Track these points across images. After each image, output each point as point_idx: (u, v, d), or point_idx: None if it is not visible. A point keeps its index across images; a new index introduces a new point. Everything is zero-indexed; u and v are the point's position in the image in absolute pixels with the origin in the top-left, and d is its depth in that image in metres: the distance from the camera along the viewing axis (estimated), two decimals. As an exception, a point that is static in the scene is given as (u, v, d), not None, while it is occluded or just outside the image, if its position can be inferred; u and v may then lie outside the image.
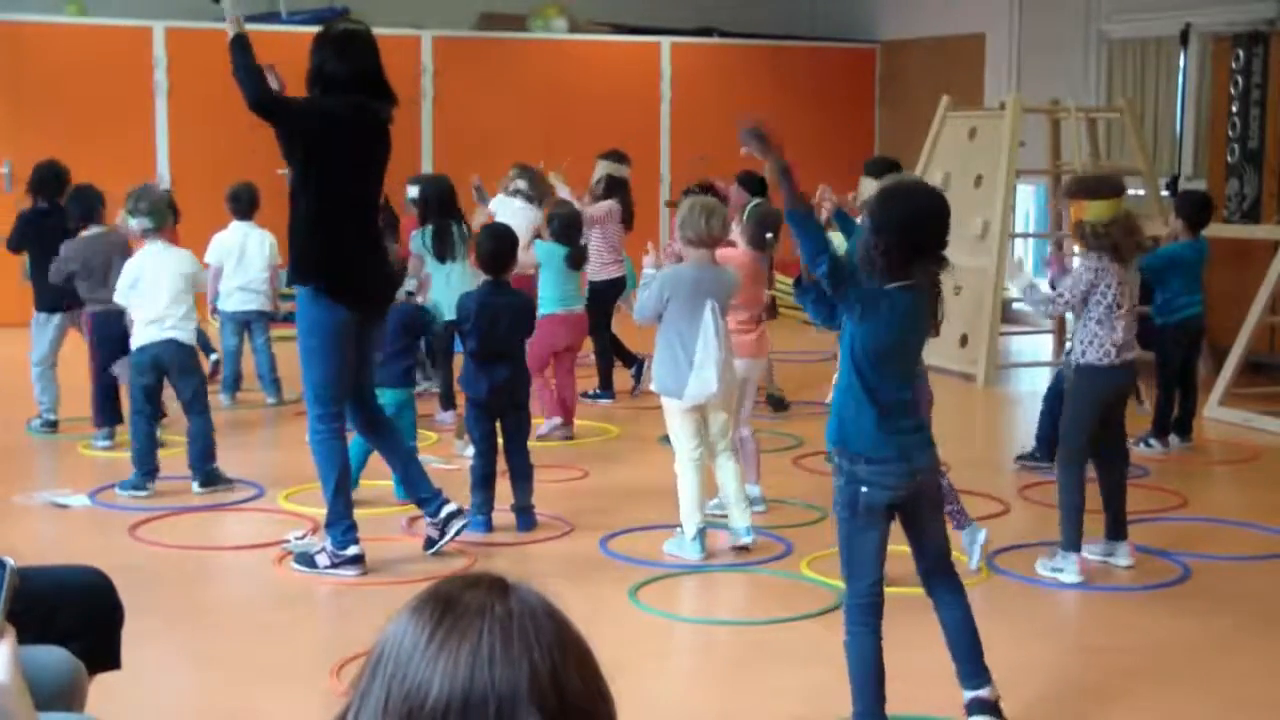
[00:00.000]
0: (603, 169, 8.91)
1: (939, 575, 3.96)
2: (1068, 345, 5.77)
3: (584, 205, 8.55)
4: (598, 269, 8.72)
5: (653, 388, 5.76)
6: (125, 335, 6.93)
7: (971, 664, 3.93)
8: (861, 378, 3.77)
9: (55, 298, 7.44)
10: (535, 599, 1.38)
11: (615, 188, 8.84)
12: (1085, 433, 5.45)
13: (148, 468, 6.43)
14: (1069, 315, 6.55)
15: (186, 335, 6.50)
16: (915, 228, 3.73)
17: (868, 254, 3.73)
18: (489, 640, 1.32)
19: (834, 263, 3.74)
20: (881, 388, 3.77)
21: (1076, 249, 5.50)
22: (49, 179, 7.74)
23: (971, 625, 3.94)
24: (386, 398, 6.07)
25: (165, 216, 6.66)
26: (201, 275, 6.73)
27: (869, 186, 7.24)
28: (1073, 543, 5.38)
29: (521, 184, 8.75)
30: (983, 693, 3.91)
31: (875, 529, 3.79)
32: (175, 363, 6.47)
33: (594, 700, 1.36)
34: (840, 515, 3.83)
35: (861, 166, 6.96)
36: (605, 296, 8.78)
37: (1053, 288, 5.76)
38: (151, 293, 6.43)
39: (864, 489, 3.75)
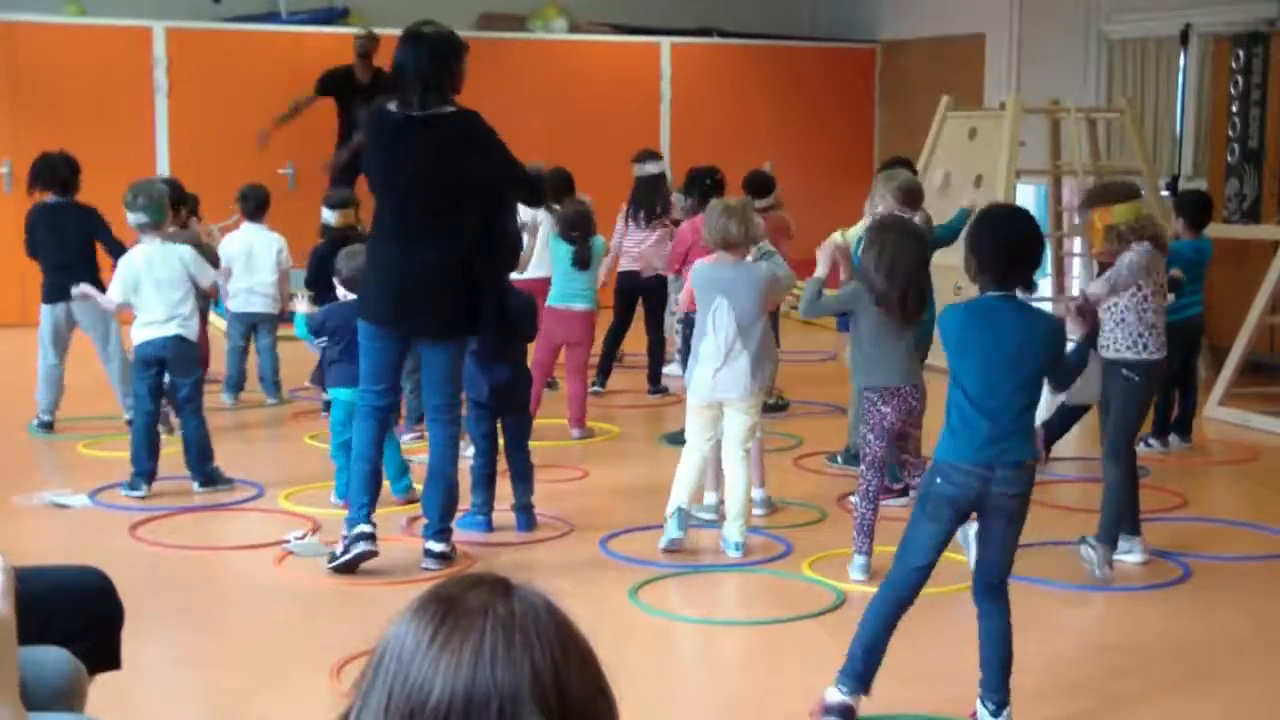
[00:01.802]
0: (634, 173, 9.00)
1: (992, 589, 3.98)
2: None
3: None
4: (623, 263, 8.83)
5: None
6: None
7: (995, 677, 3.94)
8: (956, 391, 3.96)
9: (51, 288, 7.43)
10: (537, 599, 1.38)
11: (639, 184, 8.91)
12: (1140, 423, 5.66)
13: (143, 467, 6.41)
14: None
15: (190, 332, 6.49)
16: (1015, 249, 3.97)
17: (968, 269, 4.02)
18: (491, 640, 1.32)
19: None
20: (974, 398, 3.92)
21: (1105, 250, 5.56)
22: (48, 171, 7.63)
23: (1006, 642, 3.95)
24: (341, 397, 6.06)
25: (163, 212, 6.59)
26: (203, 268, 6.66)
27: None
28: (1136, 526, 5.56)
29: None
30: None
31: (935, 522, 3.91)
32: (177, 358, 6.45)
33: (595, 700, 1.36)
34: (916, 499, 4.06)
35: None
36: (627, 288, 8.83)
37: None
38: (156, 291, 6.40)
39: (938, 480, 3.90)
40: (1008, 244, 3.95)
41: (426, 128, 5.19)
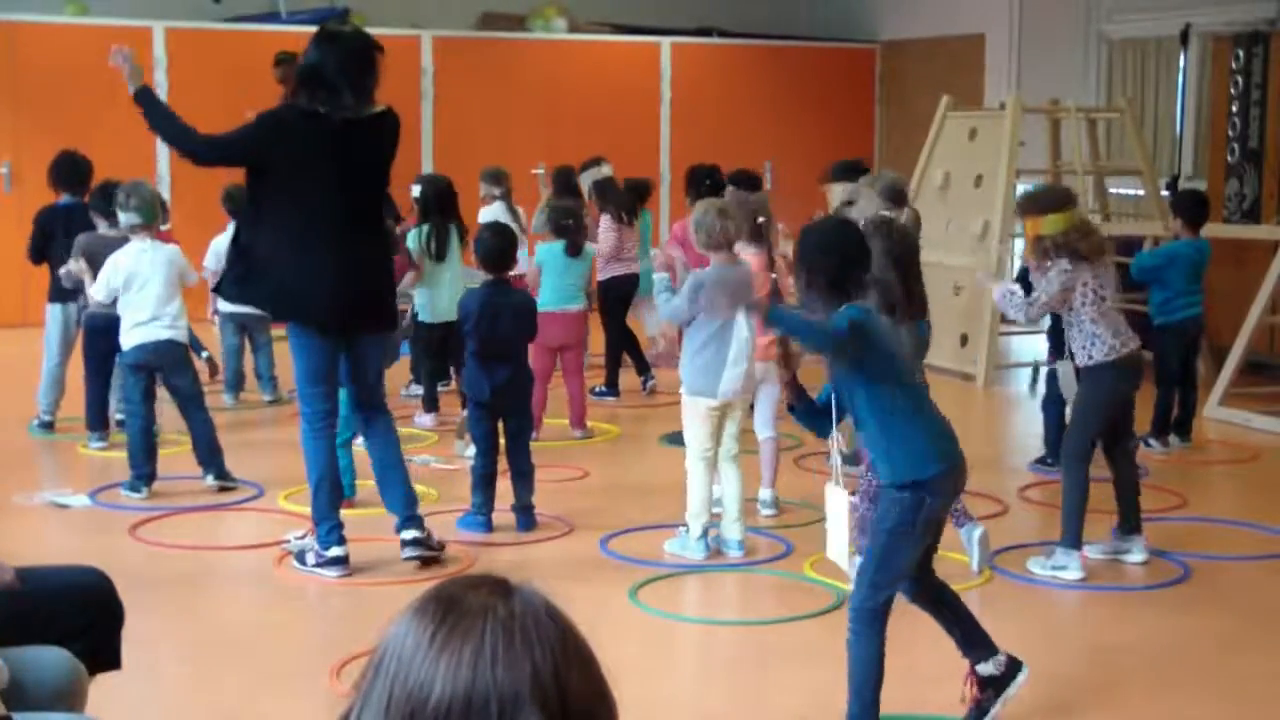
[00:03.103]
0: (587, 179, 8.90)
1: (932, 585, 3.99)
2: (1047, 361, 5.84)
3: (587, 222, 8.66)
4: (603, 267, 8.75)
5: (683, 390, 5.70)
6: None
7: (977, 636, 3.97)
8: (893, 400, 3.79)
9: (62, 288, 7.42)
10: (538, 600, 1.39)
11: (606, 190, 8.85)
12: (1093, 432, 5.51)
13: (142, 470, 6.40)
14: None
15: (181, 334, 6.49)
16: (833, 256, 3.84)
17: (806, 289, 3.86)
18: (491, 641, 1.32)
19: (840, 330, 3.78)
20: (914, 400, 3.84)
21: (1034, 263, 5.56)
22: (70, 170, 7.62)
23: (961, 607, 3.99)
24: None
25: (154, 213, 6.58)
26: (189, 268, 6.68)
27: (837, 193, 7.36)
28: (1076, 540, 5.40)
29: (495, 190, 8.80)
30: (997, 659, 3.97)
31: (924, 542, 3.83)
32: (171, 361, 6.44)
33: (595, 701, 1.36)
34: (891, 525, 3.78)
35: (860, 168, 6.98)
36: (613, 294, 8.78)
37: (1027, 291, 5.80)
38: (145, 292, 6.39)
39: (929, 499, 3.75)
40: (842, 254, 3.86)
41: (368, 128, 5.16)
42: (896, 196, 6.28)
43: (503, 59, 12.78)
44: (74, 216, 7.31)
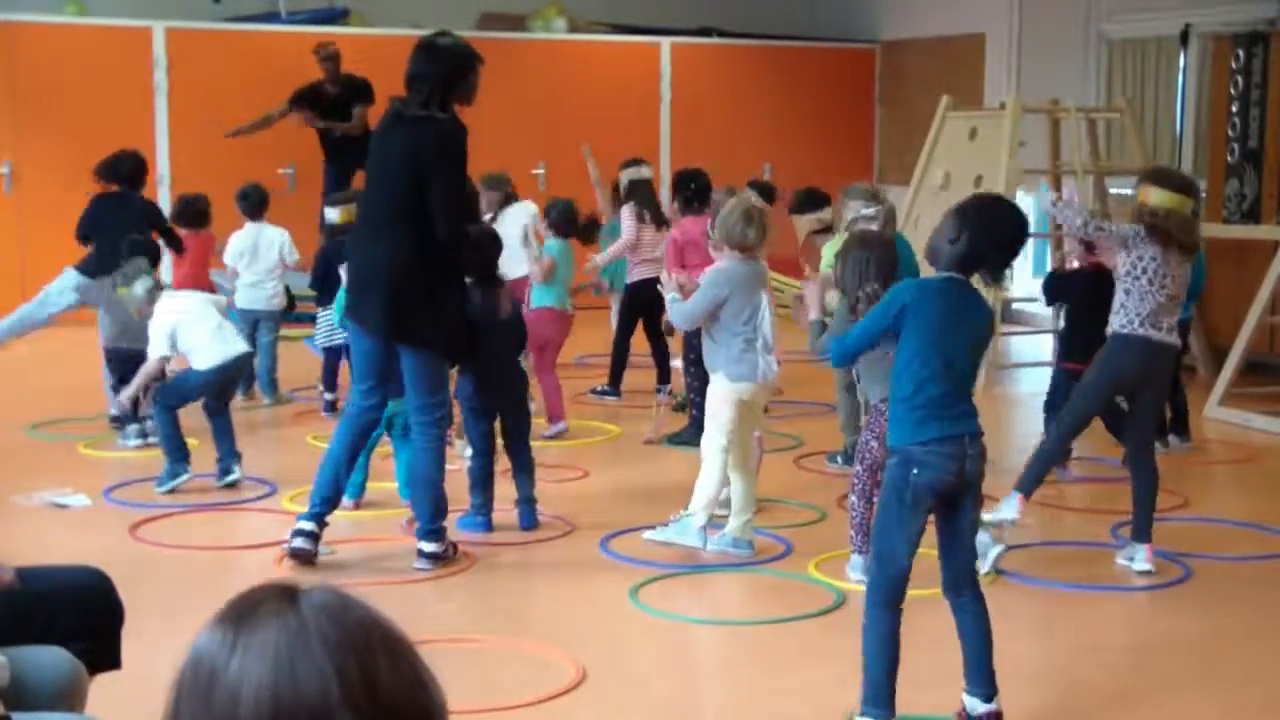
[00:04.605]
0: (626, 176, 8.90)
1: (969, 579, 3.96)
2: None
3: (606, 205, 8.69)
4: (632, 268, 8.70)
5: (726, 379, 5.57)
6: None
7: (984, 669, 3.92)
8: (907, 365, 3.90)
9: (101, 261, 7.44)
10: (330, 598, 1.33)
11: (637, 187, 8.84)
12: (1093, 403, 5.56)
13: (182, 455, 6.48)
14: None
15: (246, 344, 6.81)
16: (1002, 237, 3.96)
17: (938, 242, 3.95)
18: (288, 652, 1.28)
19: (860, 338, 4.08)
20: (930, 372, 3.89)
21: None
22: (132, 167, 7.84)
23: (989, 631, 3.93)
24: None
25: (151, 275, 6.75)
26: (225, 304, 6.95)
27: (804, 223, 7.46)
28: (1028, 488, 5.56)
29: (494, 195, 8.82)
30: (987, 707, 3.92)
31: (918, 517, 3.84)
32: (239, 370, 6.75)
33: (412, 688, 1.31)
34: (884, 495, 3.90)
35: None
36: (639, 298, 8.66)
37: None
38: (203, 327, 6.52)
39: (915, 469, 3.80)
40: (1003, 239, 3.96)
41: (403, 127, 5.26)
42: (870, 195, 6.51)
43: (502, 59, 12.75)
44: (124, 205, 7.62)
